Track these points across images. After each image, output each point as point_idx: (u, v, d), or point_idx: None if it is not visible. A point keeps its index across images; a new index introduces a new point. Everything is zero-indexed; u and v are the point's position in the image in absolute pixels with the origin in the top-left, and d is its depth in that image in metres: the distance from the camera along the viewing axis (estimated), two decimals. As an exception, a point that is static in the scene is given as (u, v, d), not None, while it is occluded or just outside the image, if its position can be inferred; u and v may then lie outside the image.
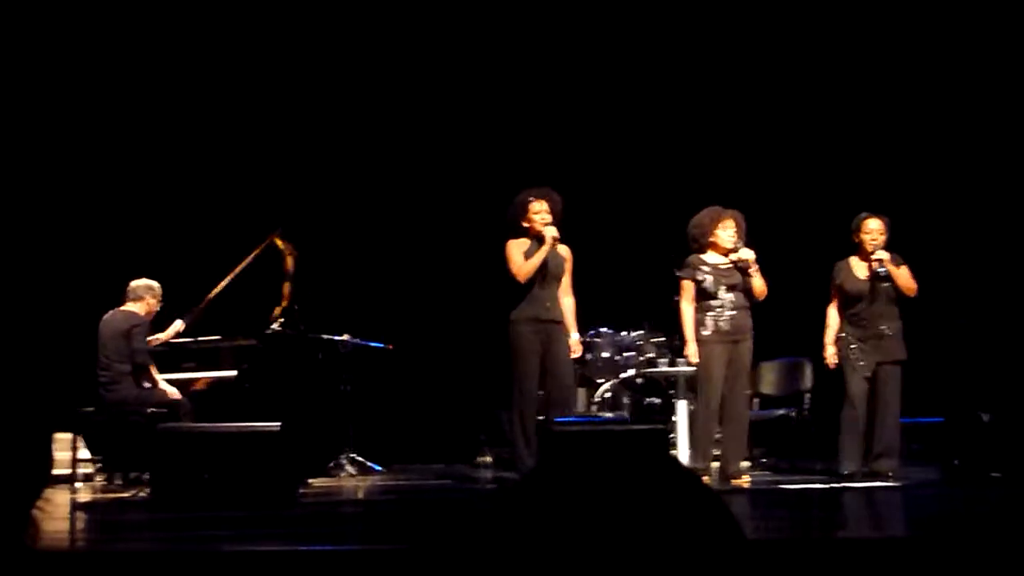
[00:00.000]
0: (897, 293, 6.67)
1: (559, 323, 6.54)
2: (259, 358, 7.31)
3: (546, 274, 6.50)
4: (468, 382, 8.99)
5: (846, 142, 9.01)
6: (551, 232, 6.47)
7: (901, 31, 8.87)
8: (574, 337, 6.63)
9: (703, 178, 8.56)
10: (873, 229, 6.71)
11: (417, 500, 6.37)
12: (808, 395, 7.76)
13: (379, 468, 7.96)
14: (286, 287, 7.60)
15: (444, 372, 9.12)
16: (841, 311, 6.77)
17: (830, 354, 6.74)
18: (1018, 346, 8.07)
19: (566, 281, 6.66)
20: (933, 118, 8.90)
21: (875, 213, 6.78)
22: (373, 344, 8.12)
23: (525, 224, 6.59)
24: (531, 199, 6.59)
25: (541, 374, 6.51)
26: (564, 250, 6.66)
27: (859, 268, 6.76)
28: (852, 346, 6.65)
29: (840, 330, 6.74)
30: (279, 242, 7.66)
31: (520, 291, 6.51)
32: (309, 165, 9.15)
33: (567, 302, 6.65)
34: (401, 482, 7.41)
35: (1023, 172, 8.60)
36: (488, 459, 8.40)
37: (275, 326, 7.43)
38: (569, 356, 6.57)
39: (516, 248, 6.57)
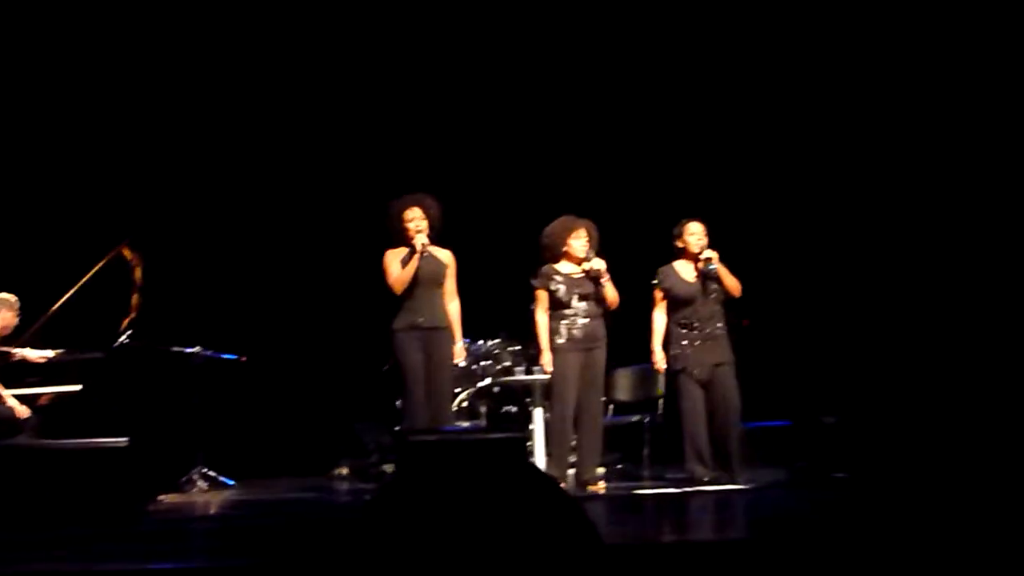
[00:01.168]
0: (724, 294, 6.83)
1: (442, 329, 6.53)
2: (106, 371, 7.11)
3: (418, 282, 6.47)
4: (324, 393, 8.91)
5: (678, 150, 9.25)
6: (419, 241, 6.46)
7: (713, 47, 9.13)
8: (458, 344, 6.64)
9: (556, 187, 8.66)
10: (697, 231, 6.88)
11: (271, 514, 6.26)
12: (661, 401, 7.91)
13: (232, 483, 7.81)
14: (135, 298, 7.41)
15: (299, 384, 9.02)
16: (670, 316, 6.89)
17: (659, 359, 6.85)
18: (858, 351, 8.37)
19: (450, 286, 6.65)
20: (751, 121, 9.19)
21: (693, 218, 6.95)
22: (226, 356, 7.98)
23: (401, 232, 6.56)
24: (405, 207, 6.59)
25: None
26: (445, 255, 6.67)
27: (685, 271, 6.90)
28: (687, 352, 6.77)
29: (670, 335, 6.87)
30: (127, 252, 7.47)
31: (399, 300, 6.50)
32: (158, 173, 8.91)
33: (452, 307, 6.65)
34: (255, 496, 7.27)
35: (851, 174, 8.90)
36: (345, 471, 8.31)
37: (123, 338, 7.24)
38: (449, 363, 6.56)
39: (392, 258, 6.56)
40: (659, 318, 6.92)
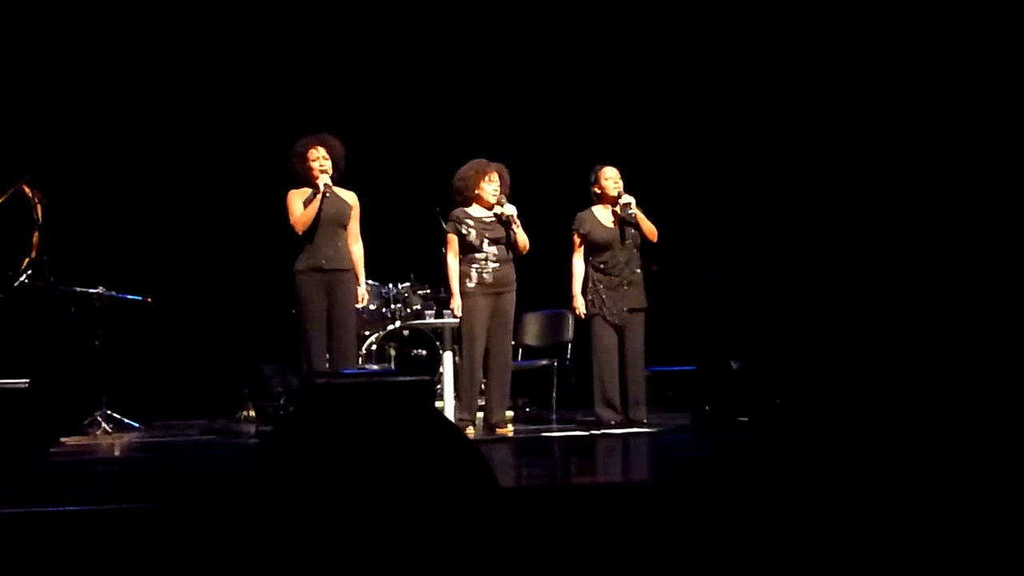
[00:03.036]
0: (641, 239, 6.93)
1: (345, 271, 6.46)
2: (5, 312, 7.00)
3: (321, 222, 6.40)
4: (229, 335, 8.87)
5: (592, 94, 9.29)
6: (322, 180, 6.39)
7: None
8: (361, 287, 6.58)
9: (468, 129, 8.64)
10: (612, 175, 6.97)
11: (176, 457, 6.24)
12: (569, 346, 8.03)
13: (136, 425, 7.76)
14: (35, 237, 7.29)
15: (204, 325, 8.96)
16: (587, 261, 6.97)
17: (580, 305, 6.93)
18: (763, 299, 8.52)
19: (354, 228, 6.58)
20: (662, 64, 9.26)
21: (608, 163, 7.03)
22: (129, 297, 7.89)
23: (305, 172, 6.49)
24: (308, 146, 6.50)
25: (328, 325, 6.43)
26: (349, 196, 6.59)
27: (604, 216, 6.98)
28: (602, 296, 6.85)
29: (587, 280, 6.94)
30: (27, 189, 7.33)
31: (300, 241, 6.43)
32: (59, 106, 8.69)
33: (355, 249, 6.57)
34: (160, 439, 7.23)
35: (771, 126, 9.03)
36: (251, 413, 8.30)
37: (23, 278, 7.13)
38: (353, 306, 6.51)
39: (295, 197, 6.47)
40: (578, 264, 6.98)
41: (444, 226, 6.88)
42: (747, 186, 9.06)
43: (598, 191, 7.02)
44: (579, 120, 9.19)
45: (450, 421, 2.52)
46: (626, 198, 6.87)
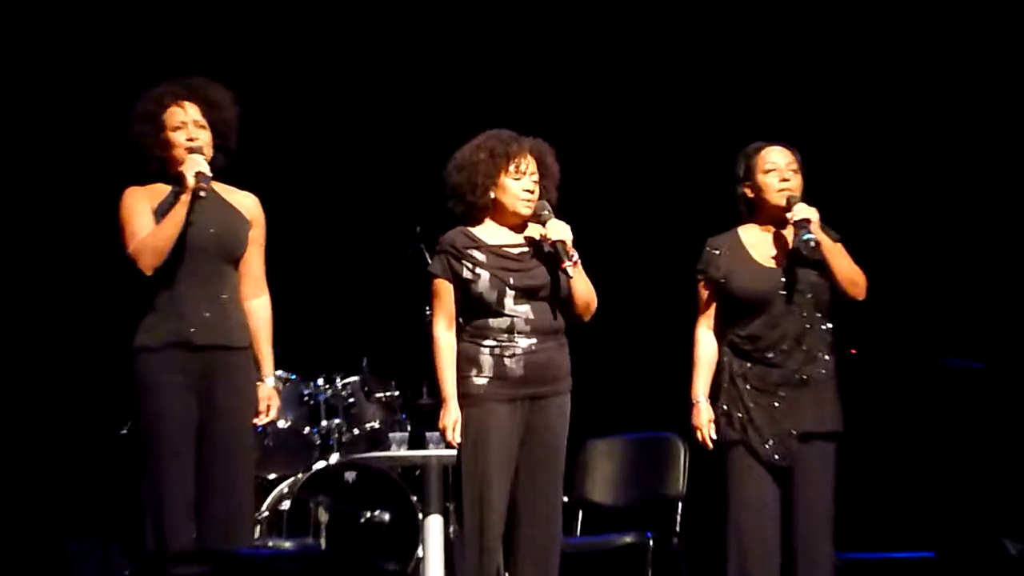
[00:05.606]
0: (831, 294, 6.62)
1: (235, 351, 6.35)
2: None
3: (189, 250, 6.22)
4: (10, 482, 9.01)
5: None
6: (192, 167, 6.15)
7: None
8: (268, 383, 6.55)
9: (474, 83, 9.10)
10: (778, 163, 6.69)
11: None
12: (680, 506, 7.94)
13: None
14: None
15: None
16: (722, 334, 6.69)
17: (704, 422, 6.65)
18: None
19: (253, 265, 6.54)
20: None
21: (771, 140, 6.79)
22: None
23: (157, 150, 6.31)
24: (167, 100, 6.33)
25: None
26: (246, 202, 6.56)
27: (759, 245, 6.72)
28: (748, 404, 6.59)
29: (720, 372, 6.66)
30: None
31: (148, 287, 6.23)
32: None
33: (255, 307, 6.53)
34: None
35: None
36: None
37: None
38: (249, 420, 6.45)
39: (138, 202, 6.30)
40: (705, 339, 6.75)
41: (428, 264, 6.64)
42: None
43: (749, 194, 6.71)
44: (690, 67, 9.29)
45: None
46: (803, 210, 6.51)
